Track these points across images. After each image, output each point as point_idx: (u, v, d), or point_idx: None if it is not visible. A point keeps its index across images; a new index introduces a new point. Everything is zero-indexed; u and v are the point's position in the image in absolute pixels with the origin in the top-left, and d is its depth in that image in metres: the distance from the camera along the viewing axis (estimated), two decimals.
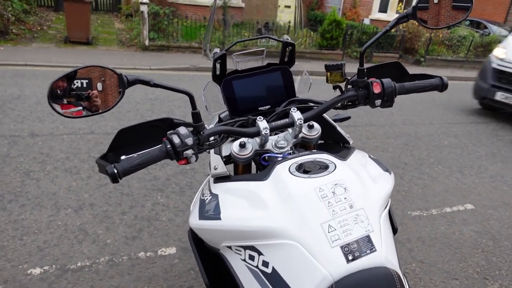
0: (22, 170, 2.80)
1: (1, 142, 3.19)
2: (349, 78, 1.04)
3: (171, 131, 0.84)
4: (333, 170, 0.83)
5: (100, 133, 3.61)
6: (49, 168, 2.87)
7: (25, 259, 1.96)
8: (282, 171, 0.85)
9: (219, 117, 1.24)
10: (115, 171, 0.76)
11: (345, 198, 0.78)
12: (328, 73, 1.01)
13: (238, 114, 1.12)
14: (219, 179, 0.98)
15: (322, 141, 1.21)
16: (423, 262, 2.29)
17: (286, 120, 0.99)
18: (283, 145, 1.04)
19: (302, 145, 1.16)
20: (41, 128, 3.56)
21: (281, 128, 1.00)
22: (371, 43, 0.97)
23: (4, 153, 3.01)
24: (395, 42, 10.28)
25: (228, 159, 1.07)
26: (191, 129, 0.86)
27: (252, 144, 1.05)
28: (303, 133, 1.09)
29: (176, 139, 0.81)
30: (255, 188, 0.86)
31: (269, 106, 1.14)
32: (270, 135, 1.01)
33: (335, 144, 1.15)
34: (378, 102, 1.00)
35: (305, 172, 0.83)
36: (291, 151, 1.01)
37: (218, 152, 1.02)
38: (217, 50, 1.11)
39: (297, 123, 0.98)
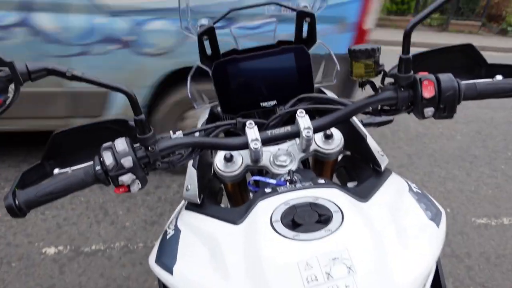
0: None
1: None
2: (386, 70, 0.69)
3: (106, 144, 0.59)
4: (337, 229, 0.52)
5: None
6: None
7: (43, 236, 1.92)
8: (261, 217, 0.57)
9: (212, 111, 0.96)
10: (14, 203, 0.53)
11: None
12: (353, 62, 0.67)
13: (232, 111, 0.84)
14: (192, 205, 0.73)
15: (348, 153, 0.89)
16: (485, 286, 1.89)
17: (289, 128, 0.69)
18: (283, 163, 0.74)
19: (317, 161, 0.85)
20: None
21: (280, 140, 0.70)
22: (424, 18, 0.61)
23: None
24: (478, 7, 8.92)
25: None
26: (137, 144, 0.60)
27: (242, 157, 0.77)
28: (317, 146, 0.78)
29: (108, 159, 0.56)
30: (222, 236, 0.59)
31: (275, 102, 0.83)
32: (269, 144, 0.72)
33: (363, 162, 0.82)
34: (429, 111, 0.64)
35: (294, 224, 0.54)
36: (292, 176, 0.71)
37: (196, 165, 0.75)
38: (204, 21, 0.82)
39: (304, 134, 0.67)
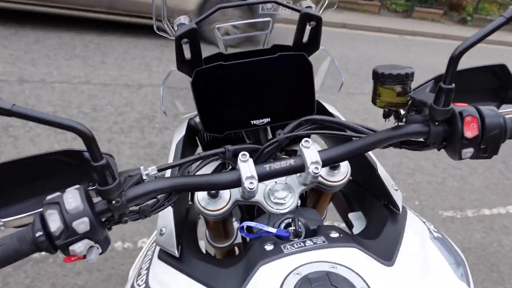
0: (1, 124, 2.47)
1: None
2: (414, 97, 0.58)
3: (52, 197, 0.43)
4: None
5: (97, 83, 3.21)
6: (32, 124, 2.52)
7: None
8: None
9: (190, 124, 0.81)
10: None
11: None
12: (379, 87, 0.55)
13: (216, 130, 0.69)
14: (167, 254, 0.58)
15: (351, 178, 0.78)
16: None
17: (291, 161, 0.56)
18: (281, 201, 0.62)
19: (314, 189, 0.73)
20: (32, 72, 3.17)
21: (283, 176, 0.57)
22: (475, 43, 0.49)
23: None
24: None
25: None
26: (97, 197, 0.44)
27: (230, 191, 0.64)
28: (320, 177, 0.66)
29: (54, 222, 0.41)
30: None
31: (268, 120, 0.69)
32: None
33: (372, 196, 0.71)
34: (468, 152, 0.53)
35: None
36: (297, 224, 0.58)
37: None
38: (183, 20, 0.65)
39: (311, 171, 0.54)
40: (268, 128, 0.79)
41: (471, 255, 2.11)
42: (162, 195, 0.52)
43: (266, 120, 0.69)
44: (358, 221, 0.75)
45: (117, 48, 3.99)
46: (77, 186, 0.45)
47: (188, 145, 0.78)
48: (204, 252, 0.69)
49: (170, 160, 0.71)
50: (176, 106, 0.80)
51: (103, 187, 0.43)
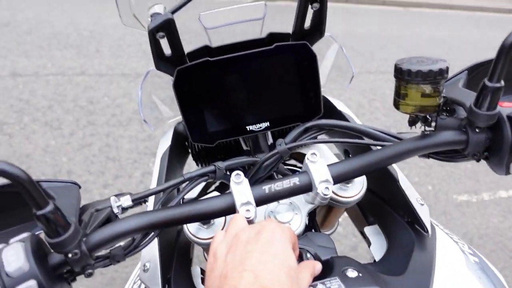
0: None
1: None
2: (446, 97, 0.48)
3: None
4: None
5: (93, 74, 3.09)
6: (27, 120, 2.44)
7: None
8: None
9: (176, 131, 0.71)
10: None
11: None
12: (404, 87, 0.45)
13: (205, 139, 0.59)
14: None
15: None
16: None
17: (296, 180, 0.47)
18: (286, 225, 0.53)
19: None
20: (25, 65, 3.06)
21: (285, 198, 0.47)
22: None
23: None
24: None
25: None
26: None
27: (225, 216, 0.54)
28: (332, 193, 0.56)
29: None
30: None
31: (267, 125, 0.59)
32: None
33: (391, 209, 0.61)
34: None
35: None
36: (305, 255, 0.48)
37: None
38: (157, 9, 0.55)
39: (320, 191, 0.45)
40: (269, 132, 0.69)
41: (489, 241, 2.02)
42: (139, 236, 0.43)
43: (264, 125, 0.59)
44: (376, 237, 0.65)
45: (112, 35, 3.84)
46: (24, 235, 0.36)
47: (175, 155, 0.68)
48: (200, 278, 0.61)
49: (154, 176, 0.61)
50: (159, 111, 0.70)
51: (54, 239, 0.34)
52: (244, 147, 0.70)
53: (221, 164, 0.49)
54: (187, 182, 0.49)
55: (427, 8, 7.33)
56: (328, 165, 0.47)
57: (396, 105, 0.49)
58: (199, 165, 0.77)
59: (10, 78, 2.87)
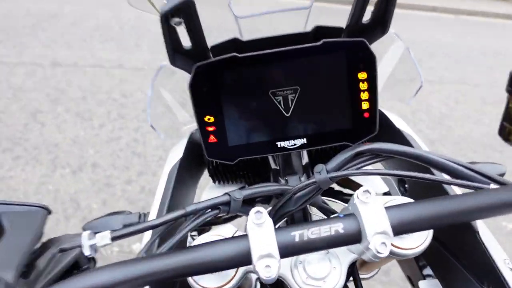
0: (30, 109, 2.42)
1: (18, 71, 2.82)
2: None
3: None
4: None
5: (129, 68, 3.09)
6: (60, 110, 2.45)
7: None
8: None
9: (192, 140, 0.60)
10: None
11: None
12: None
13: (224, 155, 0.48)
14: None
15: None
16: None
17: (339, 227, 0.35)
18: (319, 283, 0.40)
19: None
20: (66, 56, 3.12)
21: (324, 249, 0.35)
22: None
23: (17, 86, 2.64)
24: None
25: None
26: None
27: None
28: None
29: None
30: None
31: (304, 141, 0.48)
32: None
33: (456, 265, 0.46)
34: None
35: None
36: None
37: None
38: None
39: (374, 247, 0.33)
40: (304, 151, 0.57)
41: None
42: None
43: (299, 142, 0.47)
44: None
45: (153, 31, 3.85)
46: None
47: (187, 170, 0.57)
48: None
49: (157, 198, 0.51)
50: (172, 116, 0.60)
51: None
52: (273, 165, 0.58)
53: (238, 194, 0.38)
54: (191, 216, 0.38)
55: (481, 17, 6.85)
56: (386, 208, 0.34)
57: (504, 133, 0.36)
58: (216, 182, 0.66)
59: (50, 67, 2.92)
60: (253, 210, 0.34)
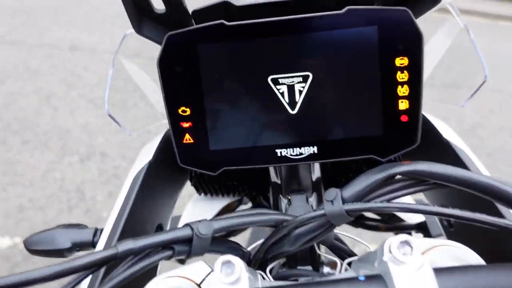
0: (45, 92, 2.36)
1: (36, 53, 2.78)
2: None
3: None
4: None
5: (147, 58, 3.01)
6: (74, 94, 2.39)
7: None
8: None
9: (167, 137, 0.48)
10: None
11: None
12: None
13: (204, 163, 0.36)
14: None
15: None
16: None
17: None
18: None
19: None
20: (86, 41, 3.07)
21: None
22: None
23: (34, 68, 2.59)
24: None
25: None
26: None
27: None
28: None
29: None
30: None
31: (314, 150, 0.35)
32: None
33: None
34: None
35: None
36: None
37: None
38: None
39: None
40: (314, 169, 0.45)
41: None
42: None
43: (308, 151, 0.36)
44: None
45: None
46: None
47: (160, 177, 0.45)
48: None
49: (114, 211, 0.39)
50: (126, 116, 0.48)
51: None
52: (273, 177, 0.46)
53: (205, 228, 0.27)
54: (130, 258, 0.26)
55: None
56: (435, 271, 0.21)
57: None
58: (202, 194, 0.55)
59: (69, 51, 2.88)
60: (220, 261, 0.22)
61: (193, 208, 0.59)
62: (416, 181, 0.29)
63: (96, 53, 2.92)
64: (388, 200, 0.28)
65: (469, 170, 0.35)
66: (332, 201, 0.27)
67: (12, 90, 2.34)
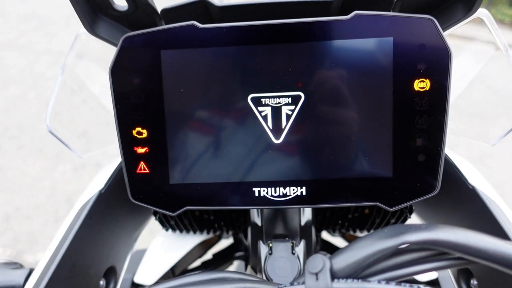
0: (47, 98, 2.33)
1: (43, 59, 2.77)
2: None
3: None
4: None
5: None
6: (77, 101, 2.36)
7: None
8: None
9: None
10: None
11: None
12: None
13: (161, 201, 0.30)
14: None
15: None
16: None
17: None
18: None
19: None
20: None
21: None
22: None
23: (39, 73, 2.58)
24: None
25: None
26: None
27: None
28: None
29: None
30: None
31: (302, 191, 0.29)
32: None
33: None
34: None
35: None
36: None
37: None
38: None
39: None
40: (303, 214, 0.38)
41: None
42: None
43: (295, 191, 0.29)
44: None
45: None
46: None
47: (114, 210, 0.38)
48: None
49: (48, 251, 0.32)
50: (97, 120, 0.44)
51: None
52: (253, 217, 0.39)
53: None
54: None
55: None
56: None
57: None
58: (169, 229, 0.47)
59: (76, 57, 2.87)
60: None
61: (162, 243, 0.51)
62: (435, 252, 0.21)
63: (102, 60, 2.91)
64: (394, 279, 0.21)
65: (505, 232, 0.27)
66: (317, 274, 0.20)
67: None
